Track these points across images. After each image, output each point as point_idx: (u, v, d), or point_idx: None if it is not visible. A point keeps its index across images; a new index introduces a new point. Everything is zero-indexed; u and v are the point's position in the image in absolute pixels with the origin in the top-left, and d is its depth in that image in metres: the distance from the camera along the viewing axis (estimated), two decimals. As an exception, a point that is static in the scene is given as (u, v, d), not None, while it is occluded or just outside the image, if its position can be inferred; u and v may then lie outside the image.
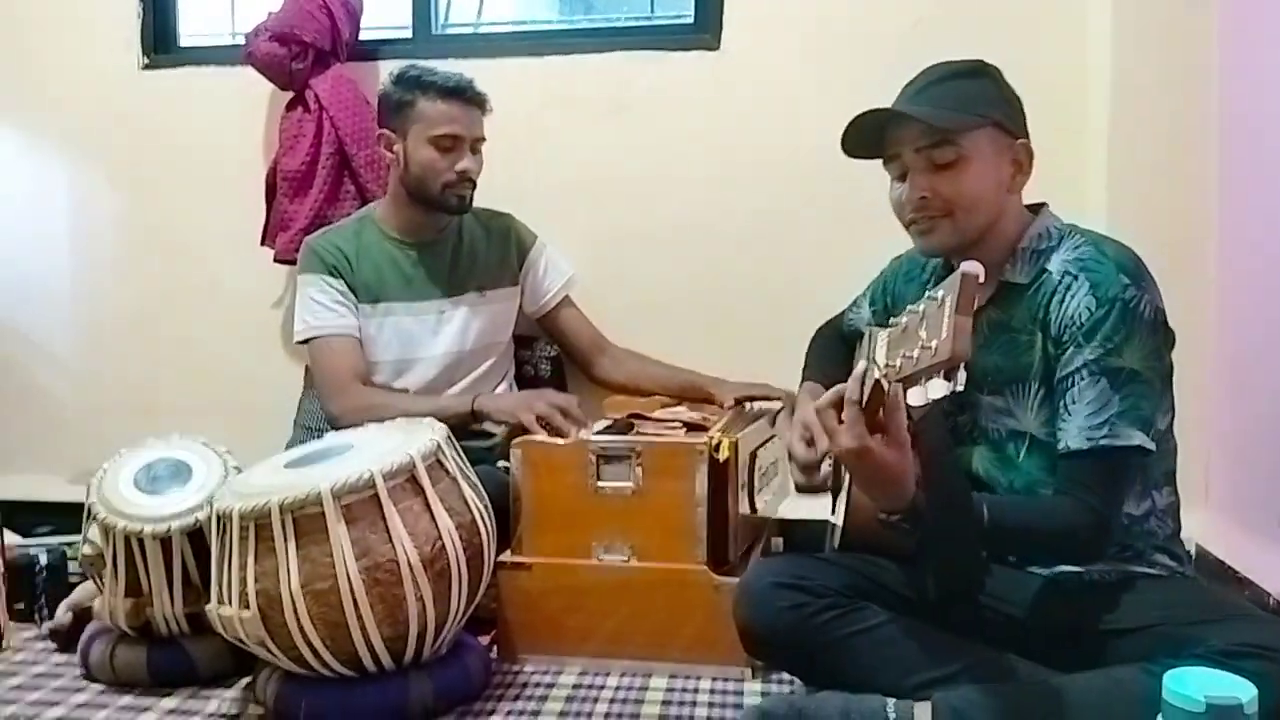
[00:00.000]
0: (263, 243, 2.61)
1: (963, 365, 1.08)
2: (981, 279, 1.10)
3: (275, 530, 1.53)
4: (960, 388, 1.08)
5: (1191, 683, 1.05)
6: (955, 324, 1.06)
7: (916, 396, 1.16)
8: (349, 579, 1.52)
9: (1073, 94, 2.34)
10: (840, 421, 1.36)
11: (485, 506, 1.70)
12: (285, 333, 2.70)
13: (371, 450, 1.66)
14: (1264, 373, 1.93)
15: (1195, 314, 2.02)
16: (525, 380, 2.51)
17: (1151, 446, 1.45)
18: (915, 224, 1.59)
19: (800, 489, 1.81)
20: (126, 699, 1.73)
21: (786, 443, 1.82)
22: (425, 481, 1.60)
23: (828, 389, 1.93)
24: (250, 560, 1.55)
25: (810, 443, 1.77)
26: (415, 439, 1.66)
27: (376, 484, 1.55)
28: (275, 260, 2.56)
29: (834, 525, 1.98)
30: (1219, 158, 2.18)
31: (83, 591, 2.01)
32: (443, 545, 1.59)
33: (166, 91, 2.72)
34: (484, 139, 2.23)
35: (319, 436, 2.49)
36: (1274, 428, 1.95)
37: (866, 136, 1.58)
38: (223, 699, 1.73)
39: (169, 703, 1.71)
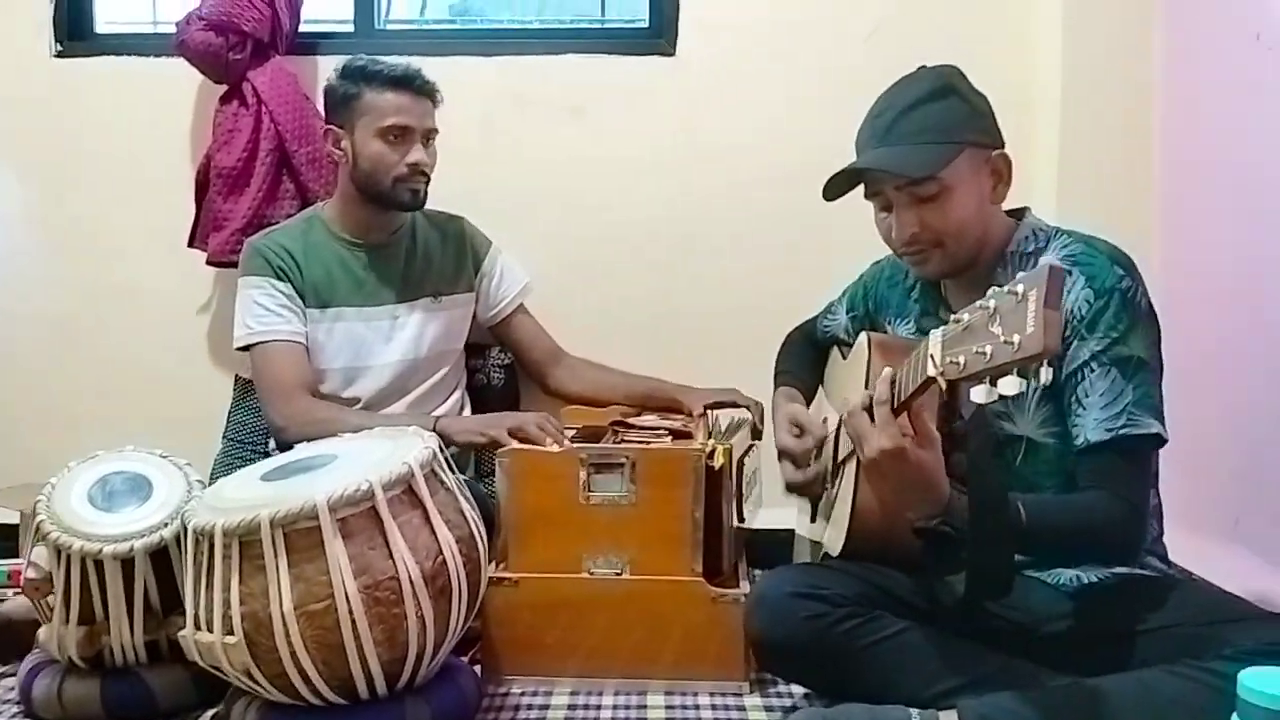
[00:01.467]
0: (191, 244, 2.46)
1: (1047, 360, 1.06)
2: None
3: (265, 547, 1.41)
4: (1047, 382, 1.06)
5: (1269, 680, 1.06)
6: (1045, 317, 1.04)
7: (980, 394, 1.14)
8: (347, 599, 1.41)
9: (1021, 102, 2.38)
10: (873, 425, 1.35)
11: (479, 518, 1.61)
12: (213, 340, 2.55)
13: (361, 461, 1.55)
14: (1211, 380, 2.00)
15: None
16: (476, 390, 2.42)
17: (1167, 436, 1.47)
18: (907, 256, 1.60)
19: (791, 488, 1.79)
20: (79, 738, 1.57)
21: (776, 440, 1.80)
22: (424, 493, 1.50)
23: (803, 393, 1.95)
24: (234, 581, 1.42)
25: (800, 435, 1.76)
26: (408, 448, 1.56)
27: (375, 495, 1.44)
28: (208, 263, 2.41)
29: (805, 538, 1.97)
30: (1159, 169, 2.28)
31: (12, 604, 1.83)
32: (444, 560, 1.49)
33: (82, 81, 2.53)
34: (436, 130, 2.14)
35: (253, 451, 2.36)
36: (1223, 434, 2.03)
37: (844, 177, 1.57)
38: (190, 733, 1.59)
39: (129, 740, 1.57)
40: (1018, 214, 1.64)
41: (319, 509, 1.41)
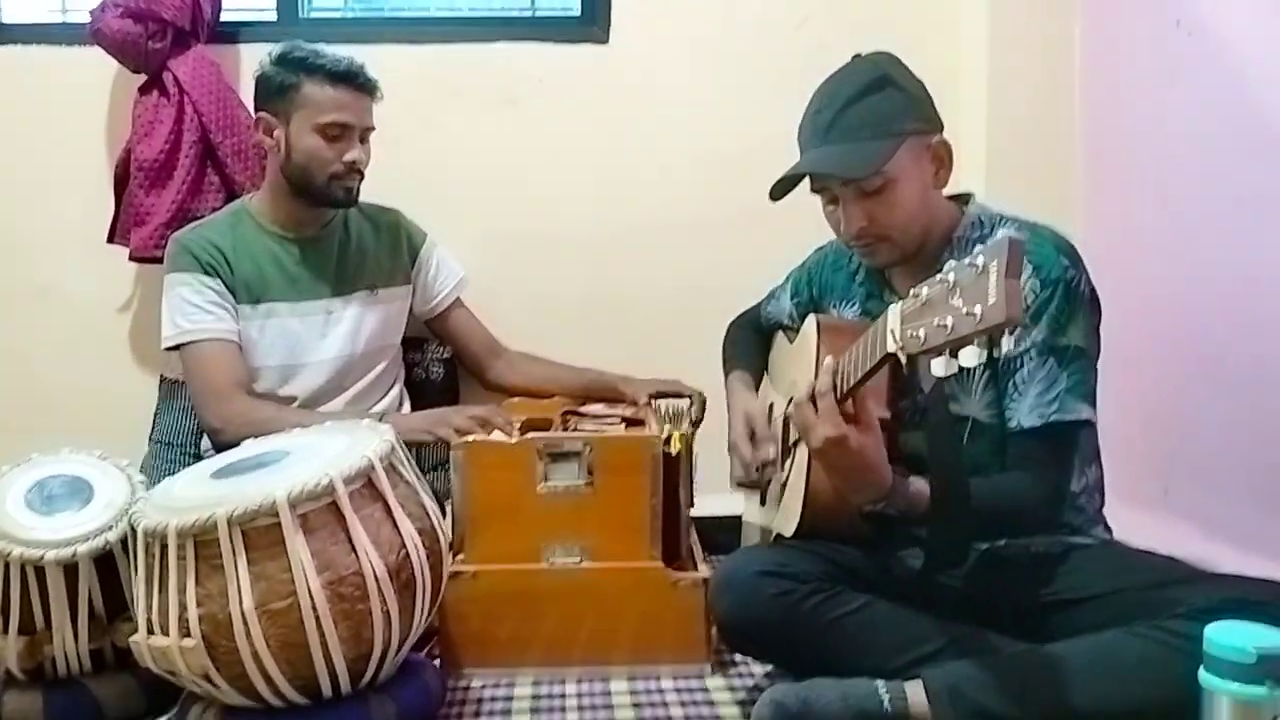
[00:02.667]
0: (110, 239, 2.36)
1: (1009, 330, 1.09)
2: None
3: (223, 546, 1.36)
4: (1009, 350, 1.09)
5: (1236, 635, 1.10)
6: (1007, 287, 1.06)
7: (940, 366, 1.17)
8: (310, 595, 1.37)
9: (948, 88, 2.42)
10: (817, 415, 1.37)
11: (439, 510, 1.59)
12: (135, 340, 2.47)
13: (317, 455, 1.51)
14: (1136, 355, 2.07)
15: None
16: (415, 384, 2.38)
17: (1096, 420, 1.53)
18: (856, 248, 1.64)
19: (740, 484, 1.80)
20: (24, 753, 1.50)
21: (732, 433, 1.81)
22: (385, 486, 1.47)
23: (754, 377, 1.97)
24: (190, 582, 1.38)
25: (753, 437, 1.77)
26: (365, 441, 1.53)
27: (336, 489, 1.41)
28: (131, 258, 2.32)
29: (752, 524, 2.00)
30: (1082, 152, 2.37)
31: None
32: (407, 554, 1.46)
33: (-13, 73, 2.42)
34: (373, 128, 2.10)
35: (182, 453, 2.29)
36: (1150, 407, 2.10)
37: (789, 179, 1.59)
38: (142, 743, 1.53)
39: (77, 753, 1.50)
40: (962, 200, 1.67)
41: (279, 505, 1.38)
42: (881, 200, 1.55)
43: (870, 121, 1.54)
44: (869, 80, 1.56)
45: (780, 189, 1.60)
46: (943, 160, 1.61)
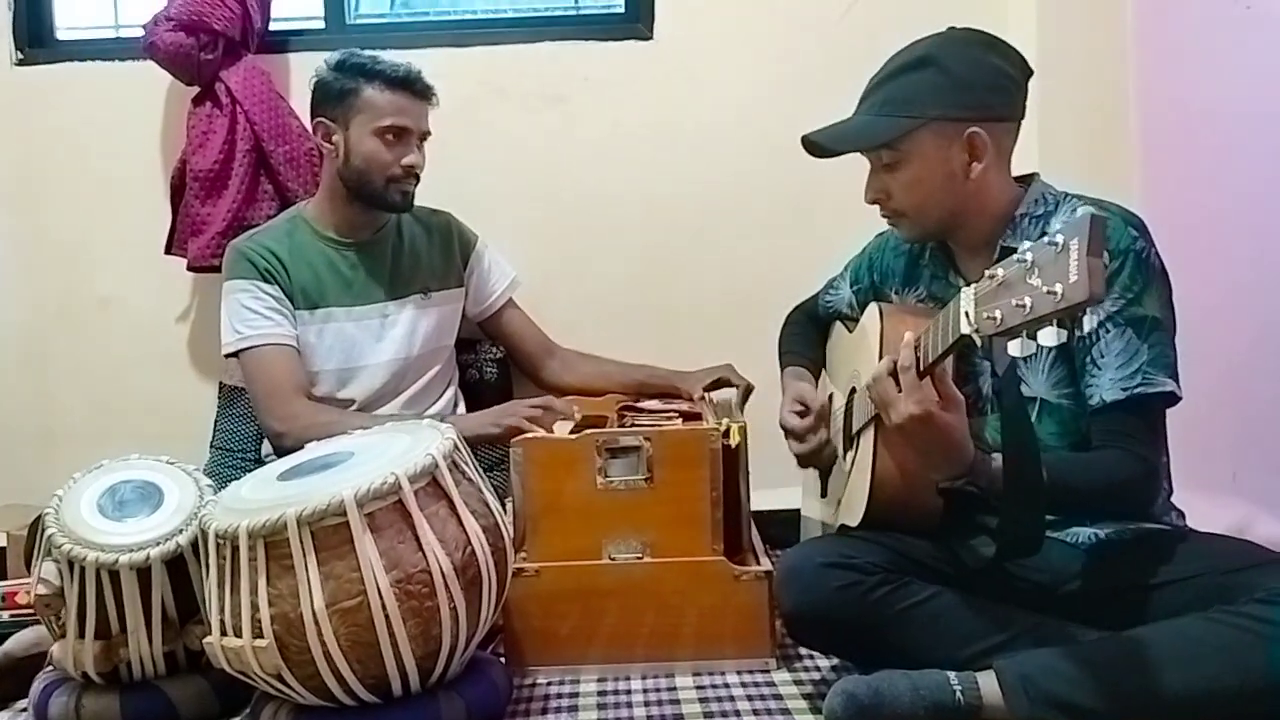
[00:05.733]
0: (168, 250, 2.40)
1: (1089, 310, 1.07)
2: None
3: (293, 546, 1.38)
4: (1092, 329, 1.07)
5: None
6: (1089, 265, 1.05)
7: (1016, 348, 1.15)
8: (380, 594, 1.38)
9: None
10: (900, 391, 1.35)
11: (502, 508, 1.59)
12: (193, 348, 2.51)
13: (381, 455, 1.52)
14: (1200, 336, 2.02)
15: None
16: (469, 385, 2.40)
17: (1180, 393, 1.49)
18: (883, 217, 1.65)
19: (802, 461, 1.79)
20: (102, 754, 1.53)
21: (781, 419, 1.81)
22: (449, 483, 1.48)
23: (811, 371, 1.95)
24: (262, 583, 1.39)
25: (803, 414, 1.77)
26: (428, 440, 1.54)
27: (402, 488, 1.42)
28: (189, 269, 2.36)
29: (811, 519, 1.98)
30: (1138, 129, 2.33)
31: (14, 642, 1.77)
32: (473, 551, 1.47)
33: (44, 89, 2.48)
34: (429, 133, 2.12)
35: (243, 458, 2.32)
36: (1218, 389, 2.06)
37: (826, 141, 1.61)
38: (216, 743, 1.55)
39: (154, 753, 1.52)
40: (1026, 180, 1.65)
41: (346, 504, 1.39)
42: (895, 177, 1.57)
43: (895, 99, 1.55)
44: (912, 59, 1.56)
45: (816, 149, 1.62)
46: (977, 151, 1.56)
